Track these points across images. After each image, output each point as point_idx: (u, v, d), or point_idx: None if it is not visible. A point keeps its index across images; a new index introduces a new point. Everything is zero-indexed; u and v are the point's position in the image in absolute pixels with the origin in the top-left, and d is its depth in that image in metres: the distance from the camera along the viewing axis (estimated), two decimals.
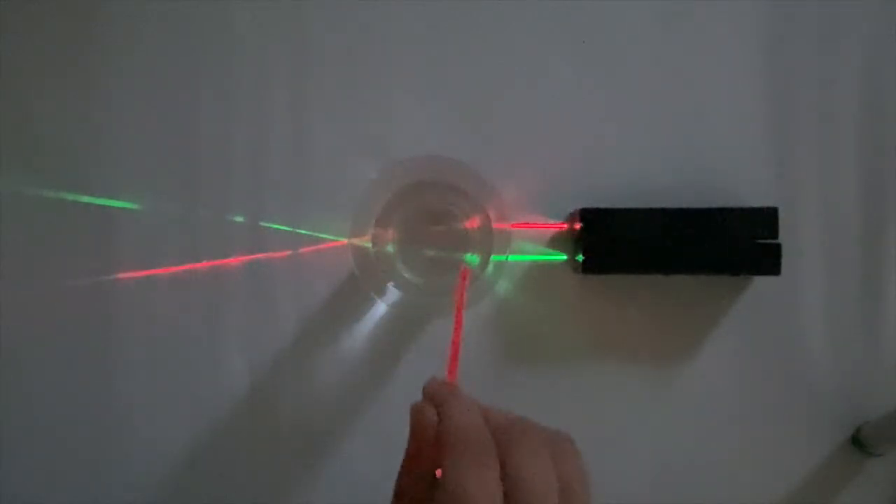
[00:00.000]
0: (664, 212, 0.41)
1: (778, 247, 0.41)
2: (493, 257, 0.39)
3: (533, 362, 0.43)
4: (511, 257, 0.41)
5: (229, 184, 0.44)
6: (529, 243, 0.43)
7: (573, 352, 0.43)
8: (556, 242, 0.43)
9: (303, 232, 0.43)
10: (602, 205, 0.41)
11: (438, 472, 0.27)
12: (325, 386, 0.43)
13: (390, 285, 0.40)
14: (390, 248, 0.40)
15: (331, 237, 0.43)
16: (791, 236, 0.42)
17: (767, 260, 0.41)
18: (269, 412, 0.43)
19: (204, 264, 0.43)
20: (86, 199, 0.43)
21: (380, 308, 0.43)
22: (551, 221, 0.43)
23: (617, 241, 0.41)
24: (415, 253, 0.41)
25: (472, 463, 0.25)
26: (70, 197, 0.43)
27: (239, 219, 0.44)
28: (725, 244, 0.41)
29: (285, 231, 0.43)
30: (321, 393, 0.43)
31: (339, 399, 0.43)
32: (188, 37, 0.44)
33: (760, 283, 0.43)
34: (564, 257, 0.43)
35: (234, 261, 0.43)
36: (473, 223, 0.40)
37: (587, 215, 0.41)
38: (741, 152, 0.44)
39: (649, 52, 0.44)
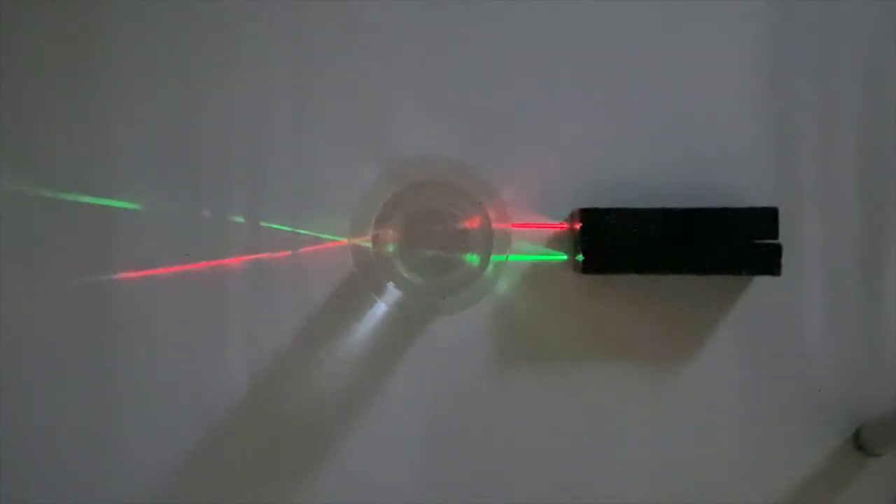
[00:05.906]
0: (664, 212, 0.41)
1: (778, 247, 0.41)
2: (493, 257, 0.39)
3: (533, 362, 0.43)
4: (511, 257, 0.41)
5: (229, 184, 0.44)
6: (529, 243, 0.43)
7: (573, 352, 0.43)
8: (556, 242, 0.43)
9: (303, 232, 0.43)
10: (602, 205, 0.41)
11: None
12: (325, 386, 0.43)
13: (390, 285, 0.40)
14: (390, 248, 0.40)
15: (331, 237, 0.43)
16: (791, 236, 0.42)
17: (767, 260, 0.41)
18: (270, 412, 0.43)
19: (204, 264, 0.43)
20: (86, 199, 0.43)
21: (380, 308, 0.43)
22: (551, 221, 0.43)
23: (617, 241, 0.41)
24: (415, 253, 0.41)
25: None
26: (70, 197, 0.43)
27: (239, 219, 0.44)
28: (725, 244, 0.41)
29: (285, 231, 0.43)
30: (321, 393, 0.43)
31: (339, 399, 0.43)
32: (188, 36, 0.44)
33: (760, 283, 0.43)
34: (564, 257, 0.43)
35: (234, 261, 0.43)
36: (473, 223, 0.40)
37: (587, 215, 0.41)
38: (741, 152, 0.44)
39: (649, 52, 0.44)
